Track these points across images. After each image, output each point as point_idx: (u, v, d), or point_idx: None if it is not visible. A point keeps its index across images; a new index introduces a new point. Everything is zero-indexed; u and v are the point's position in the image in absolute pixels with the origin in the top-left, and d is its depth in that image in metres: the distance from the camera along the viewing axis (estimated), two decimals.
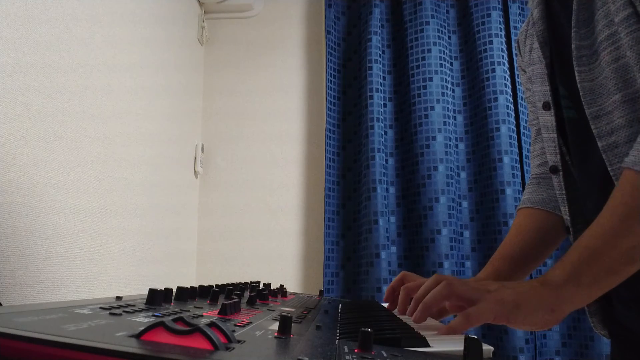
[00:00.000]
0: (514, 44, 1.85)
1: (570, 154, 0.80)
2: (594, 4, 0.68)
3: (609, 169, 0.67)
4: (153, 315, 0.41)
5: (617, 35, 0.64)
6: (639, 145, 0.60)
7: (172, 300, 0.56)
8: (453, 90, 1.88)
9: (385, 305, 0.92)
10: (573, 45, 0.71)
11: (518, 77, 1.84)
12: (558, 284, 0.61)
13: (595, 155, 0.69)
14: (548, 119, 0.81)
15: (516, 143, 1.78)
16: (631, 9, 0.62)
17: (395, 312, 0.84)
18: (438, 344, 0.49)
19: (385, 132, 1.87)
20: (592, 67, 0.69)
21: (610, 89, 0.66)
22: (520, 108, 1.81)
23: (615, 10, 0.64)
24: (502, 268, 0.88)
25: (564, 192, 0.80)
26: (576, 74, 0.70)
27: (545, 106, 0.80)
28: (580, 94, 0.70)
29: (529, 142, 1.82)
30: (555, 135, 0.80)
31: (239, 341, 0.34)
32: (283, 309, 0.66)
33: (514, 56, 1.85)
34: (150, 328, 0.30)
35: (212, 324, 0.32)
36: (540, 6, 0.81)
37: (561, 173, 0.80)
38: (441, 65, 1.84)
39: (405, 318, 0.71)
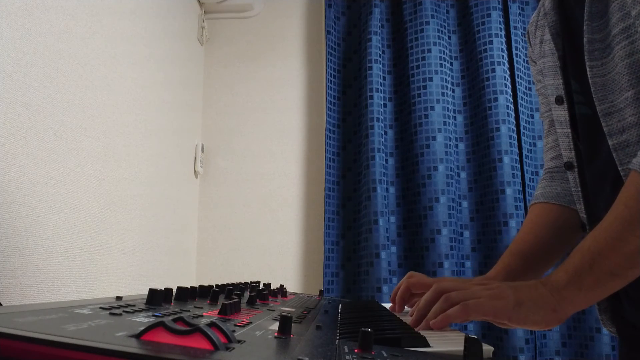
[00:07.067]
0: (514, 44, 1.85)
1: (582, 150, 0.77)
2: None
3: (619, 168, 0.64)
4: (153, 315, 0.41)
5: (632, 28, 0.61)
6: None
7: (172, 300, 0.56)
8: (453, 90, 1.88)
9: (386, 305, 0.92)
10: (585, 39, 0.68)
11: (518, 77, 1.84)
12: (560, 285, 0.60)
13: (607, 153, 0.67)
14: (561, 113, 0.78)
15: (516, 143, 1.78)
16: None
17: (397, 313, 0.84)
18: (438, 344, 0.49)
19: (385, 132, 1.87)
20: (604, 62, 0.66)
21: (623, 85, 0.63)
22: (520, 108, 1.81)
23: (633, 2, 0.61)
24: (513, 265, 0.84)
25: (579, 188, 0.77)
26: (587, 69, 0.68)
27: (558, 100, 0.78)
28: (592, 89, 0.67)
29: (529, 142, 1.83)
30: (570, 130, 0.77)
31: (239, 341, 0.34)
32: (283, 309, 0.66)
33: (514, 55, 1.85)
34: (150, 328, 0.30)
35: (212, 324, 0.32)
36: None
37: (576, 169, 0.77)
38: (441, 65, 1.84)
39: (405, 318, 0.71)
